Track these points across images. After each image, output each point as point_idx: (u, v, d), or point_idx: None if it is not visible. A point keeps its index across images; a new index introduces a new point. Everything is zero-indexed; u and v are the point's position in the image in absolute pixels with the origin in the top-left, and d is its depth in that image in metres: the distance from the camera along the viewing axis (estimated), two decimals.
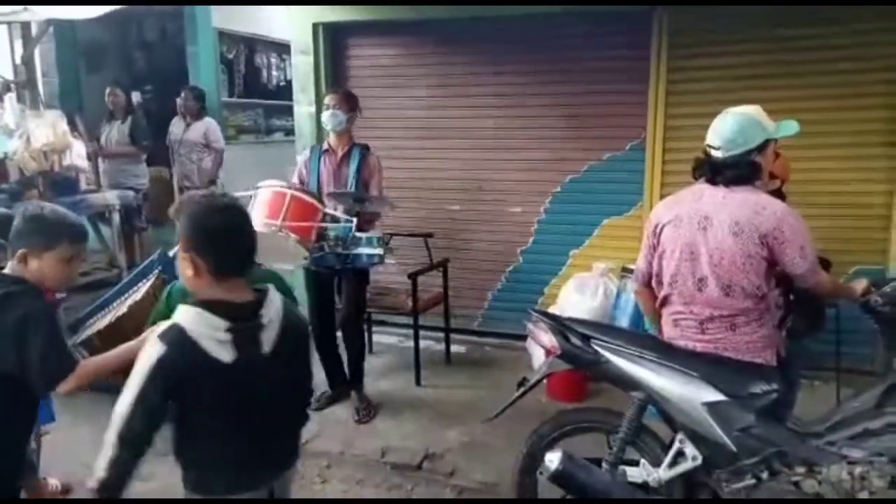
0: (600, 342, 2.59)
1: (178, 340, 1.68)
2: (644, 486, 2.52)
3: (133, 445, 1.67)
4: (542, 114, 4.86)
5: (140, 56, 8.54)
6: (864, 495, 2.33)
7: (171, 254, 4.05)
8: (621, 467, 2.55)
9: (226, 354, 1.70)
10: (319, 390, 4.20)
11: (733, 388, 2.45)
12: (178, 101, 6.62)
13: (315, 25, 5.12)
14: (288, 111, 9.13)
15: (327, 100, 3.94)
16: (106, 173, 6.52)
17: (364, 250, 3.61)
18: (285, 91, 8.71)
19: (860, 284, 2.56)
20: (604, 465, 2.56)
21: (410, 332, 5.03)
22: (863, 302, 2.52)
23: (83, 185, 5.98)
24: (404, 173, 5.05)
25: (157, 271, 3.81)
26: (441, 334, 4.87)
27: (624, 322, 4.08)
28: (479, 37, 4.92)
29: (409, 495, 3.32)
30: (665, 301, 2.66)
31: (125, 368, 1.79)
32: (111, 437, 1.66)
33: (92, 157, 6.26)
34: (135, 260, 6.17)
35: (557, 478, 2.46)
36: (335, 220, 3.58)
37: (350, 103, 3.98)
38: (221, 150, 6.68)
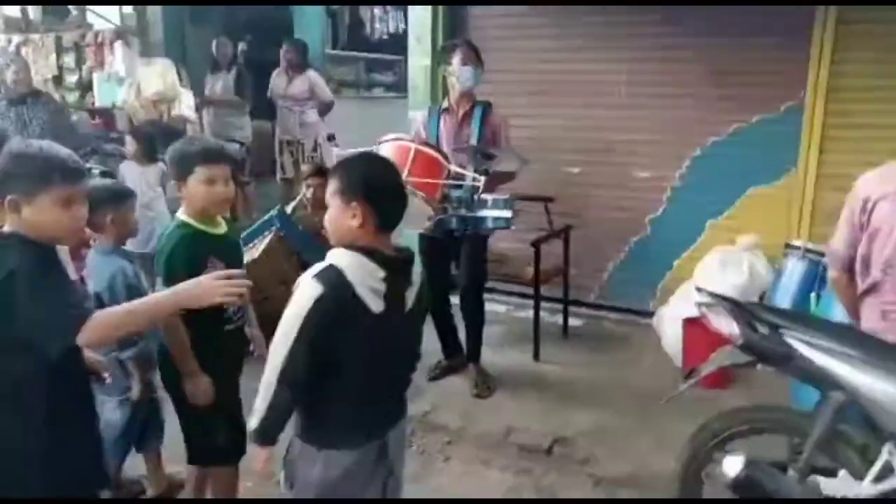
0: (792, 333, 2.21)
1: (336, 282, 1.69)
2: (841, 500, 2.16)
3: (294, 386, 1.71)
4: (683, 69, 4.40)
5: (242, 7, 8.39)
6: None
7: (289, 209, 3.87)
8: (812, 476, 2.20)
9: (376, 304, 1.72)
10: (434, 359, 3.99)
11: None
12: (282, 53, 6.44)
13: None
14: (390, 65, 8.97)
15: (460, 55, 3.61)
16: (210, 125, 6.42)
17: (491, 213, 3.32)
18: (388, 44, 8.47)
19: None
20: (790, 472, 2.21)
21: (521, 300, 4.78)
22: None
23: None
24: (523, 131, 4.63)
25: (274, 229, 3.62)
26: (556, 305, 4.56)
27: (785, 305, 3.66)
28: None
29: (538, 481, 3.05)
30: (872, 289, 2.26)
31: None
32: (271, 378, 1.70)
33: (199, 108, 6.17)
34: (237, 215, 6.09)
35: (738, 485, 2.14)
36: (461, 178, 3.28)
37: (480, 57, 3.67)
38: (330, 102, 6.50)
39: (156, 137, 4.50)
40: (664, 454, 3.07)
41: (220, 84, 6.44)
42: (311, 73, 6.46)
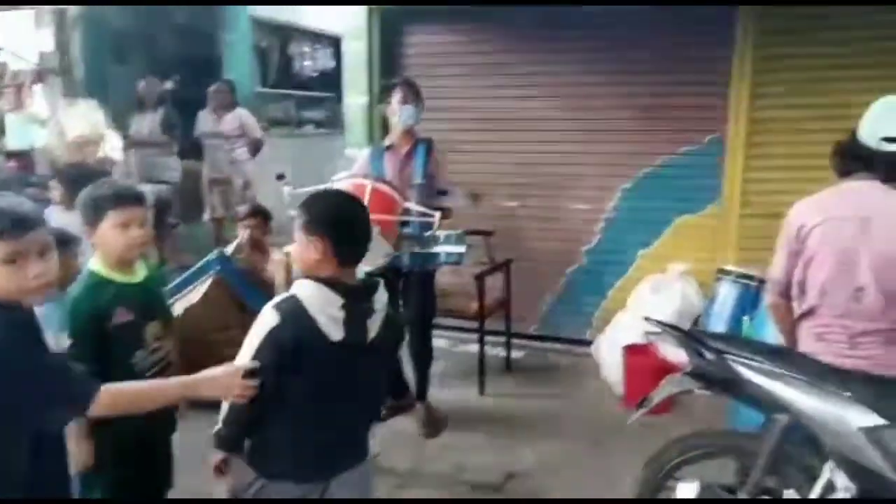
0: (737, 358, 2.29)
1: (294, 311, 1.76)
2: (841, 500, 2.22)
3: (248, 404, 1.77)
4: (613, 104, 4.57)
5: (168, 43, 8.23)
6: None
7: (228, 251, 3.79)
8: (763, 498, 2.27)
9: (336, 332, 1.77)
10: None
11: (893, 410, 2.15)
12: (210, 92, 6.35)
13: (370, 11, 4.83)
14: (320, 102, 8.96)
15: (401, 93, 3.64)
16: (137, 166, 6.23)
17: (444, 248, 3.34)
18: (317, 82, 8.47)
19: None
20: (741, 494, 2.28)
21: (461, 335, 4.79)
22: None
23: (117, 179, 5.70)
24: (459, 167, 4.72)
25: (213, 272, 3.53)
26: (498, 338, 4.58)
27: (720, 329, 3.79)
28: (544, 23, 4.62)
29: None
30: (809, 313, 2.36)
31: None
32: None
33: (125, 149, 5.98)
34: (164, 259, 5.89)
35: None
36: (417, 214, 3.29)
37: (420, 95, 3.71)
38: (259, 140, 6.46)
39: (81, 181, 4.31)
40: (614, 483, 3.12)
41: (146, 124, 6.28)
42: (241, 111, 6.40)
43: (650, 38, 4.41)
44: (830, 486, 2.20)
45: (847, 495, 2.17)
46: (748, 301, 3.84)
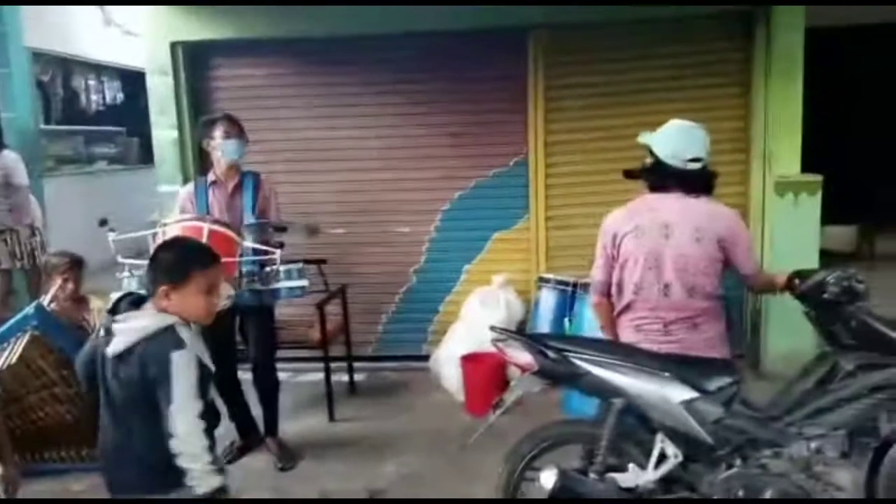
0: (575, 354, 2.61)
1: (189, 343, 1.97)
2: (634, 489, 2.58)
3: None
4: (426, 133, 4.87)
5: None
6: (819, 467, 2.57)
7: (46, 302, 3.51)
8: (609, 475, 2.59)
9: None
10: (227, 440, 3.85)
11: (702, 383, 2.58)
12: None
13: (173, 45, 4.72)
14: (110, 137, 8.38)
15: (223, 128, 3.59)
16: None
17: (286, 283, 3.37)
18: (105, 116, 7.96)
19: (782, 277, 2.82)
20: (591, 474, 2.59)
21: (299, 365, 4.81)
22: (794, 292, 2.78)
23: None
24: (283, 198, 4.75)
25: (29, 327, 3.27)
26: (339, 364, 4.64)
27: (545, 330, 4.18)
28: (355, 57, 4.82)
29: None
30: (627, 308, 2.75)
31: None
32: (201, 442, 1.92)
33: None
34: None
35: (555, 495, 2.45)
36: (255, 252, 3.29)
37: (242, 129, 3.69)
38: (24, 186, 5.71)
39: None
40: (472, 485, 3.35)
41: None
42: (7, 155, 5.73)
43: (458, 70, 4.76)
44: (663, 455, 2.59)
45: (676, 461, 2.58)
46: (567, 304, 4.30)
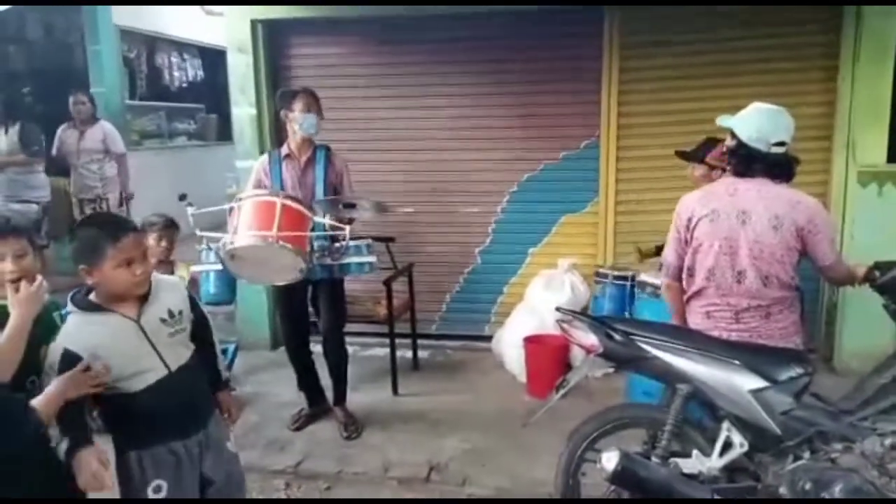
0: (642, 337, 2.60)
1: None
2: (697, 476, 2.56)
3: None
4: (497, 114, 4.87)
5: (16, 54, 7.69)
6: (893, 465, 2.49)
7: None
8: (672, 460, 2.58)
9: None
10: (296, 408, 3.99)
11: (773, 373, 2.53)
12: (70, 105, 6.02)
13: (253, 23, 4.83)
14: (191, 114, 8.69)
15: (304, 101, 3.68)
16: (3, 186, 5.81)
17: (354, 259, 3.45)
18: (187, 93, 8.24)
19: (861, 268, 2.73)
20: (654, 459, 2.58)
21: (366, 339, 4.92)
22: (874, 284, 2.69)
23: None
24: (354, 176, 4.85)
25: None
26: (403, 340, 4.73)
27: None
28: (429, 37, 4.85)
29: None
30: (698, 294, 2.71)
31: None
32: None
33: None
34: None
35: (617, 477, 2.45)
36: (330, 227, 3.38)
37: (320, 105, 3.78)
38: (123, 154, 6.20)
39: None
40: (531, 463, 3.39)
41: (4, 141, 5.87)
42: (104, 124, 6.10)
43: (531, 51, 4.73)
44: (728, 444, 2.57)
45: (742, 450, 2.54)
46: (625, 297, 4.28)
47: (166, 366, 2.11)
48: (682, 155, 3.65)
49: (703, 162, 3.45)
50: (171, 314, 2.14)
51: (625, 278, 4.36)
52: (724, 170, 3.72)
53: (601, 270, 4.54)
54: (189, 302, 2.27)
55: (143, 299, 2.09)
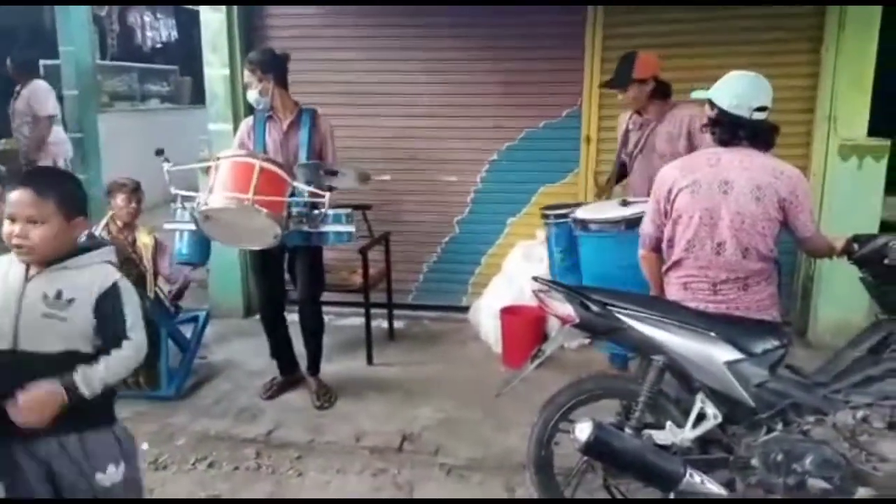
0: (618, 308, 2.57)
1: None
2: (670, 447, 2.54)
3: None
4: (477, 80, 4.77)
5: None
6: (865, 437, 2.49)
7: (97, 231, 3.59)
8: (646, 431, 2.57)
9: None
10: (269, 377, 3.93)
11: (748, 345, 2.52)
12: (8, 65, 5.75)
13: None
14: (164, 76, 8.47)
15: (246, 70, 3.58)
16: None
17: (333, 228, 3.38)
18: (160, 54, 8.02)
19: (840, 240, 2.71)
20: (627, 430, 2.56)
21: (341, 309, 4.85)
22: (852, 256, 2.66)
23: None
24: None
25: None
26: (378, 310, 4.68)
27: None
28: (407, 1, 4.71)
29: (395, 478, 3.16)
30: (676, 265, 2.68)
31: None
32: None
33: None
34: None
35: (589, 447, 2.43)
36: (310, 194, 3.29)
37: (270, 75, 3.56)
38: (47, 117, 5.70)
39: None
40: (504, 433, 3.38)
41: None
42: (35, 83, 5.74)
43: (511, 17, 4.62)
44: (702, 415, 2.55)
45: (715, 422, 2.53)
46: (571, 237, 3.97)
47: (15, 339, 1.86)
48: (608, 84, 3.74)
49: (631, 84, 3.57)
50: (57, 295, 1.88)
51: (566, 216, 4.18)
52: (655, 79, 3.64)
53: (545, 212, 4.37)
54: (97, 304, 1.92)
55: (48, 266, 1.91)
